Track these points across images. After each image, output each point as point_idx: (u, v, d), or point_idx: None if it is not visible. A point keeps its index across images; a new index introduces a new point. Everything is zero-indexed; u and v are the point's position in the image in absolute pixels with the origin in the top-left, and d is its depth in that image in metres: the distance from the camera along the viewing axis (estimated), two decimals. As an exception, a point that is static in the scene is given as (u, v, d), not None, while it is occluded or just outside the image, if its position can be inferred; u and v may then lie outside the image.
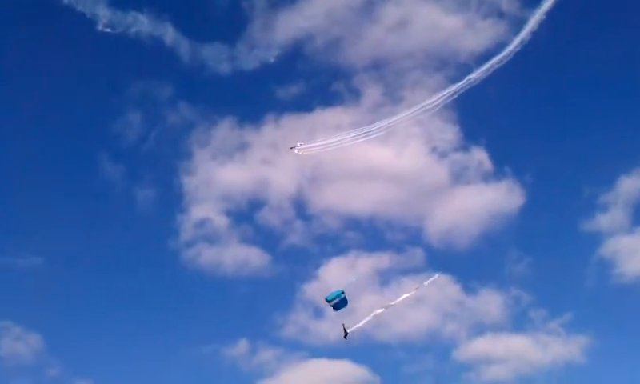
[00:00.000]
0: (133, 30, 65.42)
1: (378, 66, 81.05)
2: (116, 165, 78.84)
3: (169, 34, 68.22)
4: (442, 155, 77.99)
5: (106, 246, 78.46)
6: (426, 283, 50.08)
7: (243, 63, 71.95)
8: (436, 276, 52.25)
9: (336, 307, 43.65)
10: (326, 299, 43.75)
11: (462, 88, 66.68)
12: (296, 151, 60.97)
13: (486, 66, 64.65)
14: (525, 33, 62.95)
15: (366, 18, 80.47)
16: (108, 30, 64.56)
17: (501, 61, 64.48)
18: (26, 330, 70.02)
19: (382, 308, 46.13)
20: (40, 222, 76.30)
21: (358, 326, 44.81)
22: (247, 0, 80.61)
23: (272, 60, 72.52)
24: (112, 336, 73.52)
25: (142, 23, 65.47)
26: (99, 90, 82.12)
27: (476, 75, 64.64)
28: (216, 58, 71.79)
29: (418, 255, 76.27)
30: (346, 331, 44.00)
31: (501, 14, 76.46)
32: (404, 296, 47.31)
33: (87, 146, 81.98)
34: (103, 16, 63.97)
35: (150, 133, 79.87)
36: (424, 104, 67.96)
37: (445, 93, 66.85)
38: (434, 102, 67.38)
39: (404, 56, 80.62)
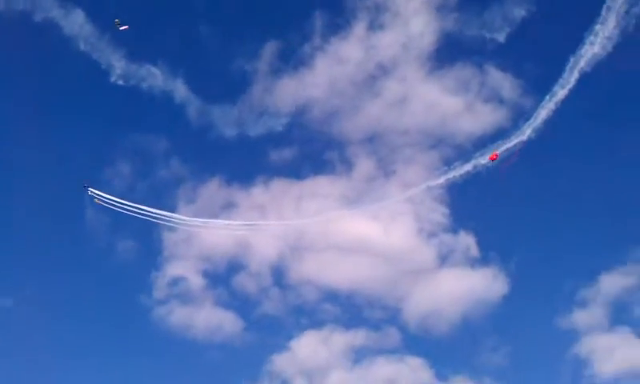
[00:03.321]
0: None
1: (372, 140, 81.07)
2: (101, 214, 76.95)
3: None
4: (431, 235, 77.00)
5: (81, 293, 76.74)
6: None
7: (249, 128, 75.44)
8: None
9: None
10: None
11: (455, 171, 68.03)
12: (89, 192, 66.21)
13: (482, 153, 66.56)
14: (527, 126, 64.55)
15: (367, 91, 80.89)
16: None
17: (496, 148, 66.19)
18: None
19: None
20: (12, 262, 75.83)
21: None
22: (251, 63, 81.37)
23: (280, 128, 76.73)
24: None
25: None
26: (96, 137, 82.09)
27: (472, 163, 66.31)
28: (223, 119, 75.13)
29: (393, 335, 74.46)
30: None
31: (501, 100, 77.31)
32: None
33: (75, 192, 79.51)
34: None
35: (137, 184, 78.86)
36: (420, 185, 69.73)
37: (440, 175, 68.25)
38: (429, 183, 68.87)
39: (400, 132, 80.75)
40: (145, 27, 79.30)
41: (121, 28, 66.08)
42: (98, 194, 67.08)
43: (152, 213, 69.58)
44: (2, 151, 79.37)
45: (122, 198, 69.54)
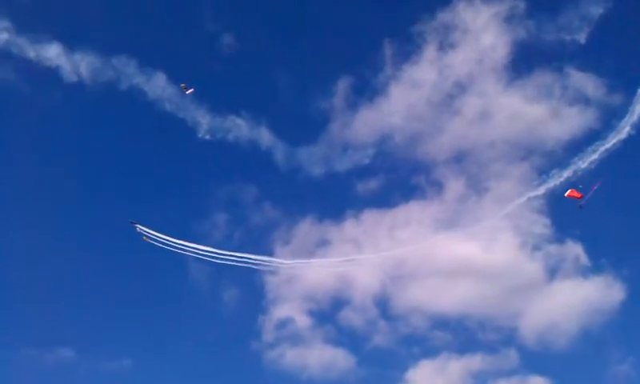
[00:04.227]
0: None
1: (459, 159, 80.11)
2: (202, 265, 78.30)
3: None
4: (535, 249, 74.77)
5: (194, 348, 77.84)
6: None
7: (335, 164, 76.19)
8: None
9: None
10: None
11: (551, 179, 65.99)
12: (137, 229, 65.99)
13: (576, 158, 64.41)
14: (624, 123, 62.14)
15: (446, 111, 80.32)
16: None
17: (593, 151, 63.86)
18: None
19: None
20: (129, 324, 77.78)
21: None
22: (327, 101, 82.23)
23: (366, 160, 77.40)
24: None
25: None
26: (190, 193, 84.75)
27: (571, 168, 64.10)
28: (309, 159, 76.47)
29: (511, 356, 72.26)
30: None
31: (587, 101, 75.43)
32: None
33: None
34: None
35: (234, 233, 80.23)
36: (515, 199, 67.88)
37: (539, 185, 66.27)
38: (529, 194, 66.93)
39: (486, 147, 79.48)
40: (223, 80, 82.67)
41: (187, 92, 67.47)
42: (145, 231, 67.44)
43: (251, 259, 70.06)
44: (110, 217, 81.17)
45: (220, 249, 70.28)
